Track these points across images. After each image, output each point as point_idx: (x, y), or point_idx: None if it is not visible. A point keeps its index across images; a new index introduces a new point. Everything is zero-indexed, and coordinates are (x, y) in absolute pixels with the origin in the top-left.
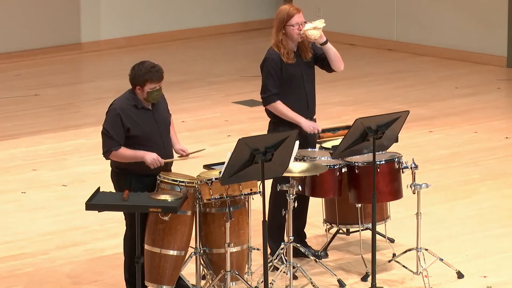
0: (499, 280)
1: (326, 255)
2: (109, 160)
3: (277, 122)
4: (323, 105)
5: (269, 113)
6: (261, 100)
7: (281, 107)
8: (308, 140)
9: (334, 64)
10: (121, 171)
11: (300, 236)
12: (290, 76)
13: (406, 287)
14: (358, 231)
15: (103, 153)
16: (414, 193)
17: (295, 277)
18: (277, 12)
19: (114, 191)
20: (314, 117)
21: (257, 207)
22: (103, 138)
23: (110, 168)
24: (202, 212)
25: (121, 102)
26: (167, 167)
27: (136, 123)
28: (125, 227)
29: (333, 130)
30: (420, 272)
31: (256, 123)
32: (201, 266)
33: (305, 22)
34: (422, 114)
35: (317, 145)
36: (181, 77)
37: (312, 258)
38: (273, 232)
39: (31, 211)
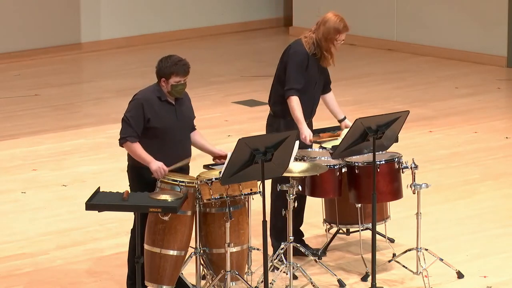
0: (499, 280)
1: (324, 253)
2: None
3: (279, 116)
4: (323, 105)
5: (275, 104)
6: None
7: (295, 104)
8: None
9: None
10: (134, 163)
11: (299, 235)
12: (309, 77)
13: (406, 287)
14: (358, 231)
15: (119, 139)
16: (414, 193)
17: (295, 277)
18: (330, 16)
19: (129, 185)
20: (308, 122)
21: (257, 207)
22: (123, 124)
23: (109, 168)
24: (202, 212)
25: (145, 92)
26: (182, 170)
27: (157, 115)
28: (124, 227)
29: (333, 130)
30: (420, 272)
31: (256, 123)
32: (201, 266)
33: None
34: (422, 114)
35: (317, 145)
36: None
37: (312, 258)
38: (277, 233)
39: (31, 211)
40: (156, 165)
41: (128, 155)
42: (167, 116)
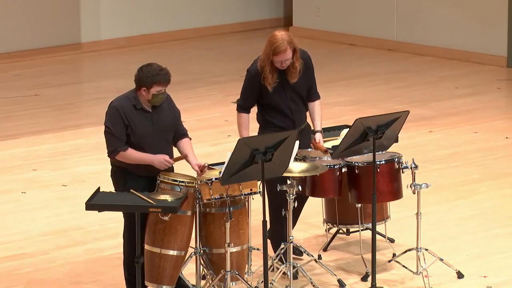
0: (499, 280)
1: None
2: (110, 159)
3: (261, 126)
4: (323, 105)
5: (257, 115)
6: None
7: (240, 121)
8: (304, 141)
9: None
10: (118, 169)
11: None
12: (270, 96)
13: (406, 287)
14: (358, 231)
15: (109, 153)
16: (414, 193)
17: (295, 277)
18: (270, 36)
19: (114, 189)
20: (303, 127)
21: (257, 207)
22: (107, 137)
23: (109, 168)
24: (202, 212)
25: (120, 100)
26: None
27: (132, 123)
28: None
29: (334, 130)
30: (420, 272)
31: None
32: (201, 266)
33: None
34: (422, 114)
35: None
36: (181, 77)
37: (312, 258)
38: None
39: (31, 211)
40: (158, 159)
41: (111, 160)
42: (143, 124)
